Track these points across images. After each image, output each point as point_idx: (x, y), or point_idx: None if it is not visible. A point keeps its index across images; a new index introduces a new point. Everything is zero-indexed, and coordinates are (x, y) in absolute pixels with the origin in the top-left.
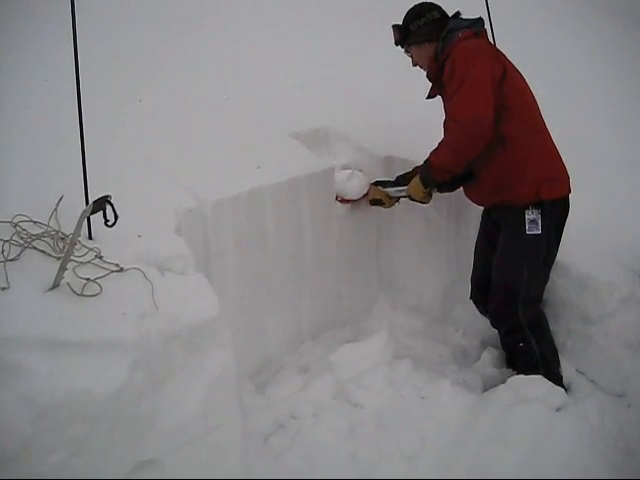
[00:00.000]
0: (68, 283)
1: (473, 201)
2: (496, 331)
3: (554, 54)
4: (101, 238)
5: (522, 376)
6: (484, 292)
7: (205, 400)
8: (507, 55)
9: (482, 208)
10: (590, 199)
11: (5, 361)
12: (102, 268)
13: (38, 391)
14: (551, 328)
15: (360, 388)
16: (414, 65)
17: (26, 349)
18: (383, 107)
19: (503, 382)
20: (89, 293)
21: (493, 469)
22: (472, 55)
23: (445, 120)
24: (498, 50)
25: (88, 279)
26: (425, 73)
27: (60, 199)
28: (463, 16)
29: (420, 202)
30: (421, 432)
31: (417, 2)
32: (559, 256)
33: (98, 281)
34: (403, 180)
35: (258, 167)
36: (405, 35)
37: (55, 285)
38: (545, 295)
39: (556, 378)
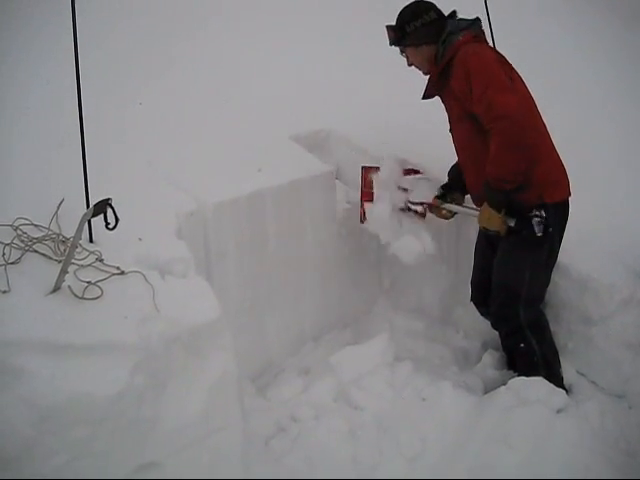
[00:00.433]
0: (69, 286)
1: (476, 204)
2: (497, 333)
3: (552, 52)
4: (102, 241)
5: (523, 378)
6: (484, 294)
7: (206, 403)
8: (505, 54)
9: None
10: (591, 200)
11: (7, 364)
12: (103, 271)
13: (40, 394)
14: (552, 329)
15: (361, 390)
16: (409, 65)
17: (27, 352)
18: (383, 109)
19: (504, 384)
20: (90, 296)
21: (494, 470)
22: (484, 59)
23: (485, 121)
24: (501, 55)
25: (89, 282)
26: (421, 73)
27: (61, 202)
28: (460, 16)
29: (495, 232)
30: (422, 434)
31: (411, 1)
32: (560, 257)
33: (99, 284)
34: (448, 192)
35: (259, 170)
36: (401, 36)
37: (56, 288)
38: (546, 296)
39: (557, 379)
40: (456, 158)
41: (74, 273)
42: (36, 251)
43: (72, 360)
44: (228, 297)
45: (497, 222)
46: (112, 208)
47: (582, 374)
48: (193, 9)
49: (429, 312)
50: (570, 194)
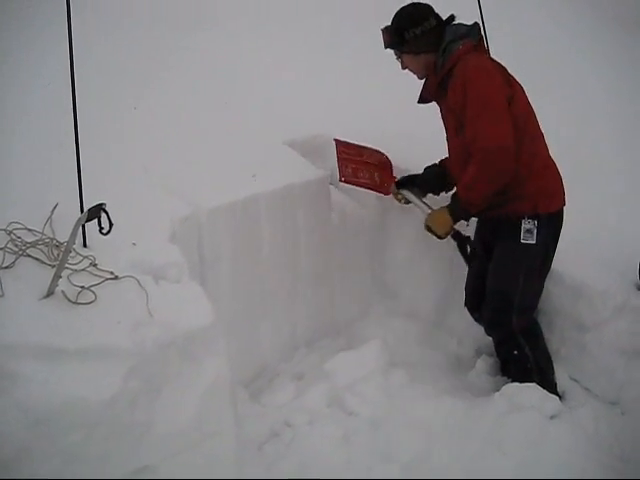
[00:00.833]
0: (62, 291)
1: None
2: (491, 339)
3: (551, 55)
4: (96, 246)
5: (516, 384)
6: (478, 299)
7: (200, 407)
8: (503, 58)
9: None
10: (585, 208)
11: (0, 369)
12: (97, 276)
13: (34, 399)
14: (545, 336)
15: (355, 396)
16: (403, 68)
17: (21, 357)
18: (379, 114)
19: (498, 390)
20: (84, 301)
21: (488, 476)
22: (484, 79)
23: (468, 144)
24: (501, 65)
25: (83, 287)
26: (415, 77)
27: (55, 207)
28: (459, 20)
29: (436, 237)
30: (415, 440)
31: (410, 3)
32: (554, 264)
33: (93, 289)
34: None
35: (253, 175)
36: (398, 42)
37: (49, 293)
38: (540, 303)
39: (550, 386)
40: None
41: (68, 278)
42: (30, 255)
43: (66, 365)
44: (222, 302)
45: (446, 229)
46: (106, 213)
47: (576, 380)
48: (190, 14)
49: (423, 318)
50: (565, 203)
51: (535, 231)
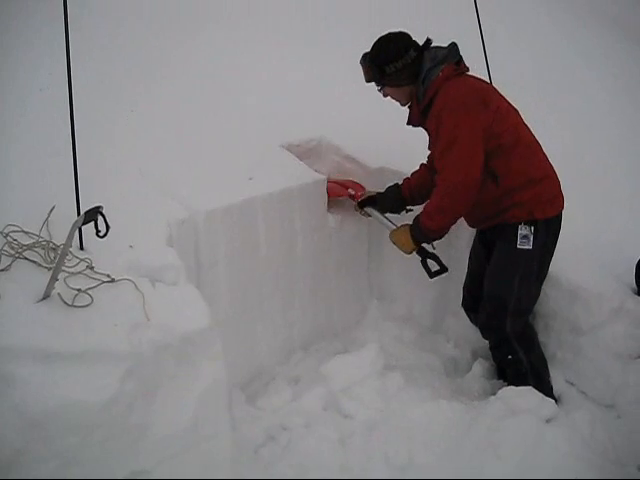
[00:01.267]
0: (59, 294)
1: (467, 223)
2: (487, 342)
3: (553, 62)
4: (92, 249)
5: (513, 387)
6: (475, 300)
7: (196, 410)
8: (504, 64)
9: None
10: (582, 212)
11: None
12: (93, 279)
13: (30, 401)
14: (541, 339)
15: (351, 399)
16: (385, 96)
17: (17, 360)
18: (375, 118)
19: (494, 393)
20: (80, 304)
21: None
22: (459, 111)
23: (437, 174)
24: (483, 83)
25: (79, 290)
26: (397, 104)
27: (52, 209)
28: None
29: (402, 251)
30: (411, 443)
31: (388, 34)
32: (550, 268)
33: (89, 292)
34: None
35: (250, 178)
36: (380, 77)
37: (46, 296)
38: (536, 306)
39: (546, 389)
40: None
41: (64, 280)
42: (26, 258)
43: (62, 367)
44: (218, 305)
45: (409, 248)
46: (103, 216)
47: (572, 384)
48: (186, 18)
49: (419, 321)
50: (563, 207)
51: (532, 237)
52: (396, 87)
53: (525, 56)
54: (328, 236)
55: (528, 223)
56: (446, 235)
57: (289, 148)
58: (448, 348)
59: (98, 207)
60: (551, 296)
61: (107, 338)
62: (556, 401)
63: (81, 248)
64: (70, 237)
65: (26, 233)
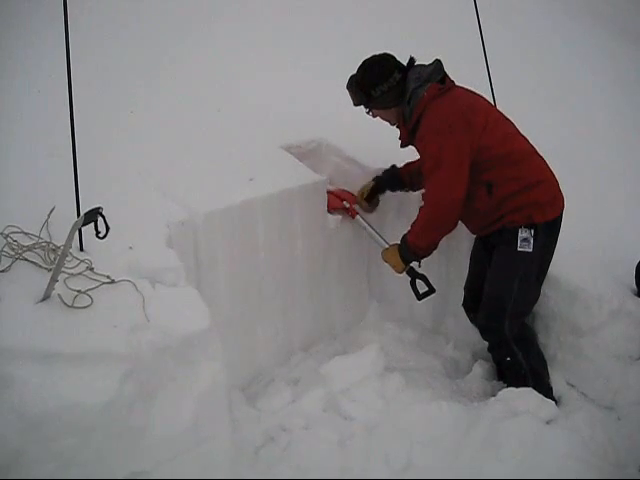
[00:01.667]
0: (59, 295)
1: (469, 230)
2: (487, 343)
3: (552, 64)
4: (92, 250)
5: (513, 389)
6: (476, 300)
7: (196, 412)
8: (502, 66)
9: None
10: (582, 213)
11: None
12: (93, 280)
13: (29, 402)
14: (541, 340)
15: (351, 400)
16: (374, 117)
17: (17, 360)
18: (375, 120)
19: (494, 395)
20: (80, 305)
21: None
22: (444, 133)
23: (424, 193)
24: (469, 98)
25: (79, 291)
26: (387, 124)
27: (51, 210)
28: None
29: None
30: (411, 444)
31: (372, 57)
32: (550, 269)
33: (89, 293)
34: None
35: (250, 179)
36: (367, 100)
37: (46, 297)
38: (536, 307)
39: (546, 390)
40: None
41: (64, 282)
42: (26, 259)
43: (61, 368)
44: (218, 306)
45: (399, 268)
46: (103, 217)
47: (571, 385)
48: (186, 18)
49: (419, 322)
50: (564, 208)
51: (532, 239)
52: (383, 109)
53: (524, 56)
54: (328, 237)
55: (528, 226)
56: (445, 237)
57: (289, 149)
58: (448, 349)
59: (98, 208)
60: (551, 297)
61: (107, 339)
62: (556, 402)
63: (81, 249)
64: (70, 238)
65: (26, 234)
